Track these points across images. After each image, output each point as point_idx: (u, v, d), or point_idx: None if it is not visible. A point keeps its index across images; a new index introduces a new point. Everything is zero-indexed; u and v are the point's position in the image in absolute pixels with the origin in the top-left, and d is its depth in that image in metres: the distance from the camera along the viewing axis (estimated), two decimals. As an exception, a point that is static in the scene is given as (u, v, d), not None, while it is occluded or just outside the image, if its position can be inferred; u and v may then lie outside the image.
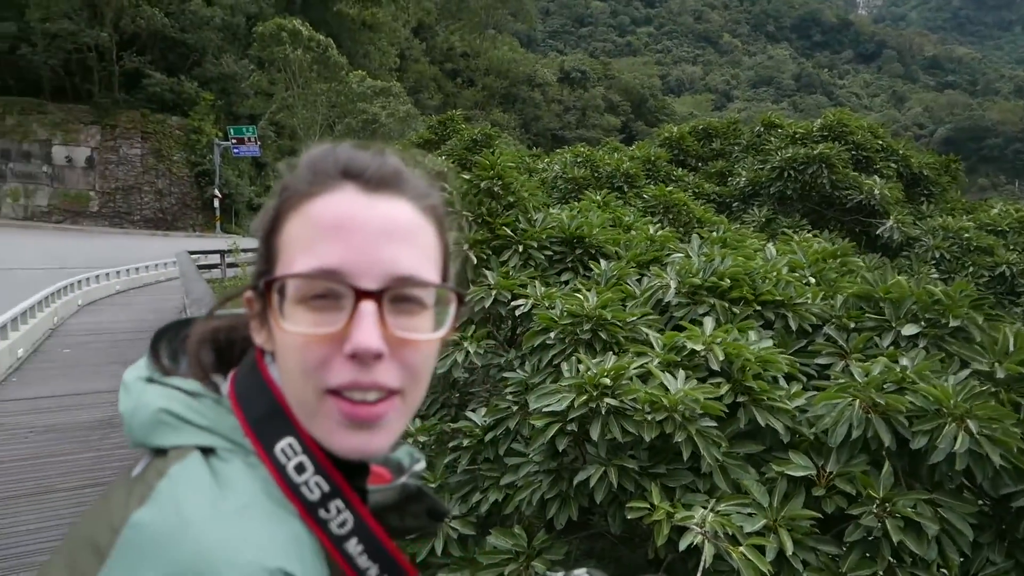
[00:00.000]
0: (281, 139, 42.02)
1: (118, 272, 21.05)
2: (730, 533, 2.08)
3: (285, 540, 0.63)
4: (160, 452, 0.67)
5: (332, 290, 0.67)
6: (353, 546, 0.67)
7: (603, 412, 2.64)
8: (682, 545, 2.08)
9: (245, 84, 41.41)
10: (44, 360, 12.25)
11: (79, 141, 38.70)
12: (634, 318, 3.36)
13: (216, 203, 37.86)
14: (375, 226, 0.68)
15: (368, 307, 0.66)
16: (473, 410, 3.73)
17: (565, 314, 3.33)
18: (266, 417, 0.69)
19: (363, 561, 0.68)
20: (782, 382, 2.97)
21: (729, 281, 3.55)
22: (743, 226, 7.84)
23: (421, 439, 3.73)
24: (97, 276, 19.43)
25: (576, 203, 6.85)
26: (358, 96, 39.32)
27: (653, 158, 10.12)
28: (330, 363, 0.66)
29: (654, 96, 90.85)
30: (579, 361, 2.89)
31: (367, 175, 0.71)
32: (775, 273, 3.72)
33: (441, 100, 60.76)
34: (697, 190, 9.67)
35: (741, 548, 1.84)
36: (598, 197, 7.14)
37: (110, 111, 39.06)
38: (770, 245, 4.77)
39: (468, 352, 4.14)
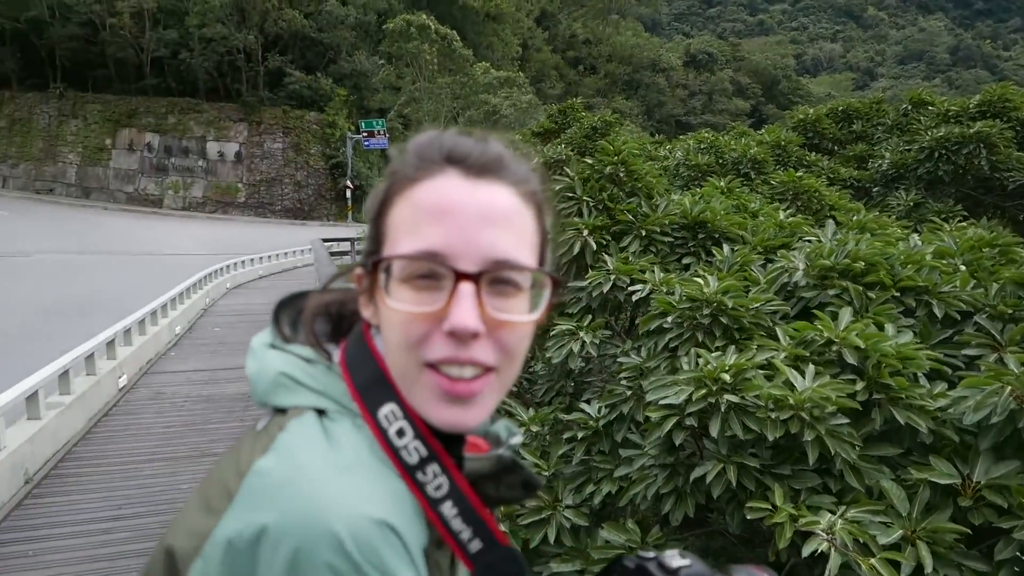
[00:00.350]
0: (408, 131, 43.55)
1: (261, 258, 22.81)
2: (861, 542, 1.94)
3: (388, 495, 0.67)
4: (280, 410, 0.74)
5: (434, 271, 0.70)
6: (448, 508, 0.71)
7: (723, 408, 2.53)
8: (805, 551, 1.96)
9: (375, 79, 43.26)
10: (197, 337, 13.47)
11: (229, 137, 42.10)
12: (757, 304, 3.20)
13: (348, 194, 39.94)
14: (475, 211, 0.71)
15: (467, 288, 0.69)
16: (587, 401, 3.70)
17: (684, 298, 3.22)
18: (371, 384, 0.74)
19: (457, 524, 0.71)
20: (923, 380, 2.73)
21: (864, 264, 3.29)
22: (884, 213, 7.26)
23: (534, 428, 3.75)
24: (243, 262, 21.15)
25: (698, 189, 6.62)
26: (482, 87, 40.00)
27: (783, 143, 9.58)
28: (430, 339, 0.70)
29: (787, 77, 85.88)
30: (698, 355, 2.79)
31: (470, 161, 0.73)
32: (918, 259, 3.42)
33: (563, 89, 60.54)
34: (832, 175, 9.05)
35: (872, 560, 1.70)
36: (722, 183, 6.86)
37: (256, 108, 42.21)
38: (915, 235, 4.39)
39: (584, 342, 4.12)
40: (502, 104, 38.99)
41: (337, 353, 0.79)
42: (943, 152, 8.06)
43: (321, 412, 0.72)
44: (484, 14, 52.19)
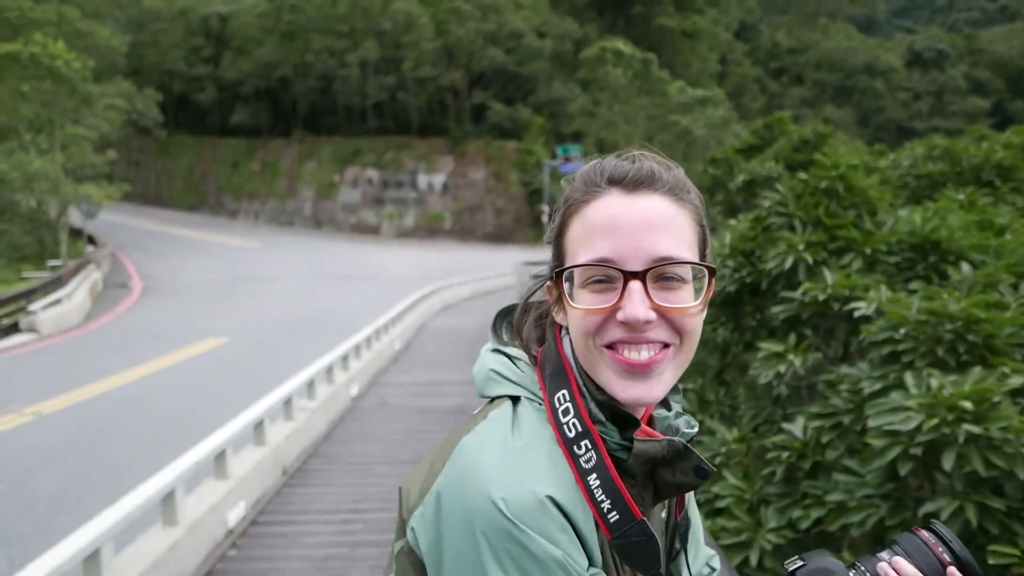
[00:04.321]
0: (604, 155, 44.07)
1: (467, 281, 24.40)
2: None
3: (556, 475, 0.82)
4: (492, 399, 0.94)
5: (607, 274, 0.86)
6: (593, 480, 0.84)
7: (960, 440, 2.37)
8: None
9: (572, 106, 44.45)
10: (413, 354, 14.71)
11: (437, 169, 45.88)
12: (1016, 327, 2.90)
13: (544, 218, 41.25)
14: (636, 220, 0.86)
15: (635, 285, 0.84)
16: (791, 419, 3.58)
17: (921, 311, 3.00)
18: (553, 374, 0.91)
19: (599, 494, 0.84)
20: None
21: None
22: None
23: (736, 447, 3.70)
24: (451, 285, 22.78)
25: (931, 203, 6.07)
26: (677, 107, 39.41)
27: (1036, 144, 8.43)
28: (605, 327, 0.86)
29: (1039, 67, 74.21)
30: (930, 375, 2.62)
31: (627, 179, 0.89)
32: None
33: (764, 102, 57.60)
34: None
35: None
36: (960, 196, 6.23)
37: (461, 142, 45.59)
38: None
39: (793, 364, 3.99)
40: (695, 124, 38.06)
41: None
42: None
43: (517, 399, 0.89)
44: (680, 32, 51.52)
